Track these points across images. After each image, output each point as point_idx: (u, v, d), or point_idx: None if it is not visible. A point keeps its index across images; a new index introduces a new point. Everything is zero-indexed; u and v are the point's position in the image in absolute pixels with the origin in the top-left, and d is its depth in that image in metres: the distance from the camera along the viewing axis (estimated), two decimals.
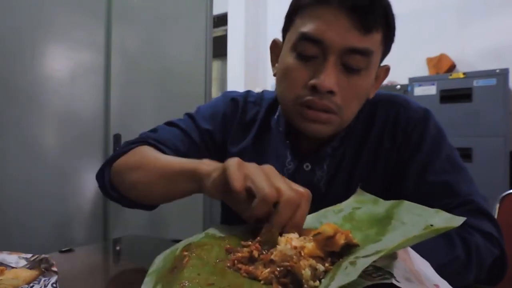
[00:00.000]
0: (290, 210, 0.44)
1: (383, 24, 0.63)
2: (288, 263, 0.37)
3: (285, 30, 0.69)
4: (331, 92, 0.62)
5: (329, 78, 0.61)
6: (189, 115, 0.81)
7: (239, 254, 0.41)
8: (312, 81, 0.62)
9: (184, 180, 0.57)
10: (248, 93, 0.84)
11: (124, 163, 0.70)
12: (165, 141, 0.74)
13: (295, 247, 0.39)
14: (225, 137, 0.80)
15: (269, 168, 0.48)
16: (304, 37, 0.62)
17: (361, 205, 0.49)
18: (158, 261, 0.45)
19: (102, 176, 0.74)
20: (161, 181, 0.62)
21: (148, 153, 0.69)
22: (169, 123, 0.80)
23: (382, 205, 0.47)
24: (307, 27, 0.62)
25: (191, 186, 0.56)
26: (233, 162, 0.48)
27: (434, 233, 0.37)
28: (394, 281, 0.34)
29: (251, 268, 0.39)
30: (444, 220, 0.39)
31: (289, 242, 0.40)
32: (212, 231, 0.49)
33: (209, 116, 0.80)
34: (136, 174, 0.66)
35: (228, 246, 0.43)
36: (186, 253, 0.42)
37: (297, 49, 0.64)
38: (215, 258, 0.41)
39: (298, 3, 0.65)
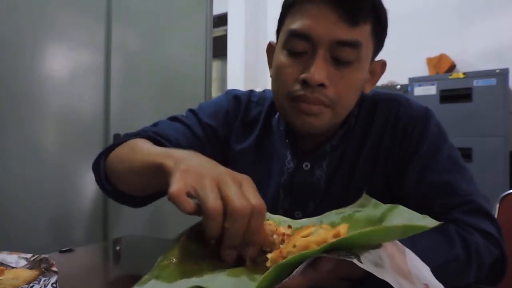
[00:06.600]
0: (239, 222, 0.38)
1: (371, 16, 0.64)
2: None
3: (278, 31, 0.71)
4: (321, 85, 0.62)
5: (318, 71, 0.61)
6: (191, 110, 0.81)
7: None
8: (303, 76, 0.63)
9: (153, 175, 0.53)
10: (251, 92, 0.84)
11: (115, 155, 0.68)
12: (166, 135, 0.72)
13: (281, 234, 0.40)
14: (228, 133, 0.80)
15: (224, 174, 0.42)
16: (293, 34, 0.64)
17: (362, 208, 0.50)
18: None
19: (98, 168, 0.71)
20: (137, 174, 0.60)
21: (139, 145, 0.65)
22: (171, 118, 0.79)
23: (380, 209, 0.47)
24: (295, 24, 0.64)
25: (162, 181, 0.48)
26: (178, 169, 0.43)
27: (405, 229, 0.37)
28: (355, 261, 0.35)
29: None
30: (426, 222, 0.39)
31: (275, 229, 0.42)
32: None
33: (212, 112, 0.80)
34: (122, 166, 0.65)
35: None
36: (183, 238, 0.46)
37: (287, 46, 0.65)
38: (206, 241, 0.44)
39: (287, 3, 0.67)
